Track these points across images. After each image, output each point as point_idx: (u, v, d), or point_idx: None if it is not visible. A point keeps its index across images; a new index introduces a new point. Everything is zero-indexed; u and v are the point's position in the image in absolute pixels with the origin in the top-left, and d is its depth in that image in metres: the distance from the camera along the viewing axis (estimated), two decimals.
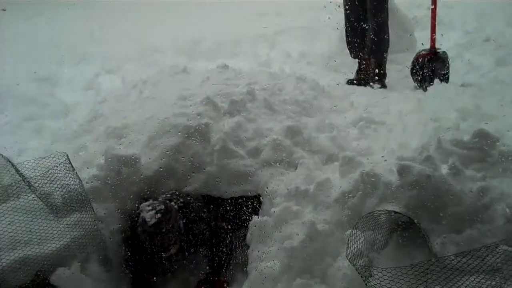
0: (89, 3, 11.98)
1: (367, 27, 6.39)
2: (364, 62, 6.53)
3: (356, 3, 6.36)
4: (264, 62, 7.28)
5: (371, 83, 6.27)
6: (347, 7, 6.50)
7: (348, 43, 6.69)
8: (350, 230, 2.91)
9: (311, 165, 3.67)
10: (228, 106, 4.09)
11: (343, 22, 6.71)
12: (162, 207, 3.32)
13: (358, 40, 6.55)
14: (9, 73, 7.04)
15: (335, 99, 4.86)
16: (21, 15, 11.13)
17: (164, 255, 3.42)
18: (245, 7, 11.17)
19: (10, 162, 3.54)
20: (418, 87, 6.14)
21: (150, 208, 3.30)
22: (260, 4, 11.33)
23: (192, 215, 3.53)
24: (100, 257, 3.38)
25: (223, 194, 3.63)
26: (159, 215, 3.27)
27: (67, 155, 3.49)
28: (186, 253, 3.56)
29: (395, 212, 2.96)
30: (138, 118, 4.18)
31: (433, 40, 6.22)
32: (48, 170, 3.52)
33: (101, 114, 4.70)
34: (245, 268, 3.36)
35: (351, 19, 6.54)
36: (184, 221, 3.45)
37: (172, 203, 3.45)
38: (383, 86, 6.29)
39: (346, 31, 6.67)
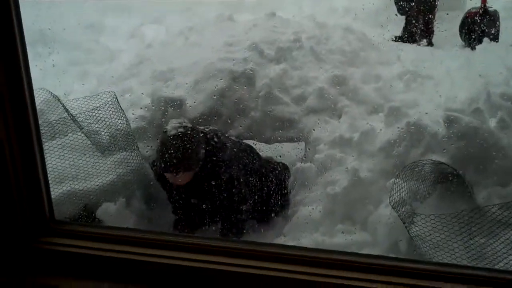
0: None
1: None
2: (411, 19, 6.39)
3: None
4: (310, 16, 7.17)
5: (418, 40, 6.16)
6: None
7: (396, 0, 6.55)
8: (393, 179, 2.91)
9: (356, 115, 3.66)
10: (274, 53, 4.08)
11: None
12: (189, 126, 3.22)
13: None
14: (55, 20, 7.09)
15: (381, 53, 4.79)
16: None
17: (175, 180, 3.27)
18: None
19: (59, 100, 3.62)
20: (466, 46, 6.00)
21: (177, 123, 3.21)
22: None
23: (221, 154, 3.32)
24: (145, 194, 3.46)
25: (267, 140, 3.66)
26: (181, 129, 3.17)
27: (115, 94, 3.54)
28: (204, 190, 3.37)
29: (440, 163, 2.95)
30: (184, 62, 4.20)
31: None
32: (96, 109, 3.59)
33: (147, 58, 4.73)
34: (286, 212, 3.39)
35: None
36: (208, 153, 3.26)
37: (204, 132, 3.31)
38: (430, 43, 6.17)
39: None
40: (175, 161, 3.14)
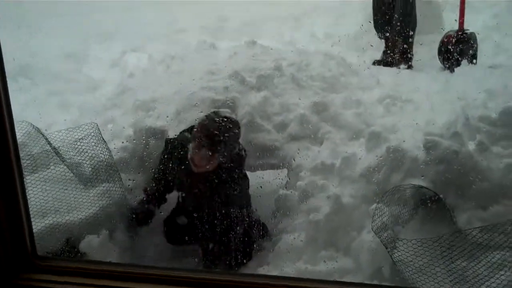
0: None
1: (394, 7, 6.35)
2: (390, 42, 6.49)
3: None
4: (290, 42, 7.26)
5: (397, 63, 6.24)
6: None
7: (375, 22, 6.66)
8: (375, 204, 2.93)
9: (337, 140, 3.70)
10: (255, 81, 4.11)
11: (370, 2, 6.67)
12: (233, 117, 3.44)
13: (385, 20, 6.51)
14: (37, 50, 7.11)
15: (361, 77, 4.85)
16: None
17: (202, 162, 3.31)
18: None
19: (40, 132, 3.61)
20: (445, 68, 6.10)
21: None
22: None
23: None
24: (127, 226, 3.45)
25: (249, 167, 3.67)
26: (227, 113, 3.39)
27: (97, 126, 3.54)
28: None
29: (421, 187, 2.98)
30: (166, 91, 4.22)
31: (461, 22, 6.17)
32: (78, 140, 3.59)
33: (129, 88, 4.75)
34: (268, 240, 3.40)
35: None
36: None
37: None
38: (410, 66, 6.26)
39: (374, 10, 6.63)
40: (211, 143, 3.25)
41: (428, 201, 2.97)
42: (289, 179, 3.59)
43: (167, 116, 3.92)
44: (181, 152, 3.41)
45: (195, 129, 3.33)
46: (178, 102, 3.98)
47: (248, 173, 3.60)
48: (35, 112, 5.43)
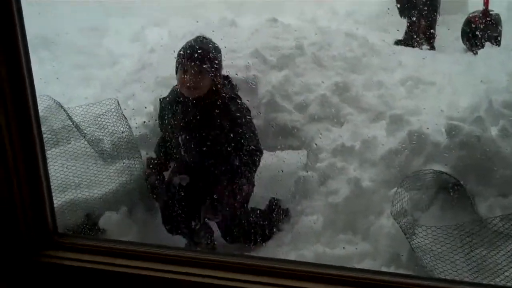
0: None
1: None
2: (413, 22, 6.39)
3: None
4: (311, 19, 7.17)
5: (419, 44, 6.14)
6: None
7: (398, 1, 6.53)
8: (395, 189, 2.92)
9: (358, 122, 3.67)
10: (276, 60, 4.08)
11: None
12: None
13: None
14: (58, 23, 7.10)
15: (383, 58, 4.79)
16: None
17: (190, 88, 3.15)
18: None
19: (61, 107, 3.62)
20: (468, 50, 5.99)
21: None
22: None
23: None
24: (146, 203, 3.46)
25: (269, 148, 3.65)
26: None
27: (117, 101, 3.55)
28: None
29: (442, 173, 2.95)
30: None
31: (486, 2, 6.04)
32: (99, 116, 3.60)
33: (149, 64, 4.73)
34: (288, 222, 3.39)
35: None
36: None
37: None
38: (432, 47, 6.16)
39: None
40: (198, 51, 3.13)
41: (449, 188, 2.94)
42: (309, 161, 3.57)
43: None
44: (175, 103, 3.31)
45: (181, 53, 3.22)
46: None
47: (267, 153, 3.59)
48: (56, 85, 5.45)
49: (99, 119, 3.60)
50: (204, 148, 3.20)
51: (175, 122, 3.28)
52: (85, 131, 3.57)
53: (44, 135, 3.54)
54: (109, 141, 3.57)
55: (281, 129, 3.70)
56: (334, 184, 3.25)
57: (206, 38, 3.29)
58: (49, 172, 3.17)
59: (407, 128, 3.24)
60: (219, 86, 3.20)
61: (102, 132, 3.60)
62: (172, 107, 3.31)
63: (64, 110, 3.59)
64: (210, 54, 3.15)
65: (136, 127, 3.66)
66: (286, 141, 3.70)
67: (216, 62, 3.17)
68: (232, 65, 4.00)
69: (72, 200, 3.24)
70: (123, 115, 3.53)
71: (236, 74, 3.73)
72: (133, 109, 3.89)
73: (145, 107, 3.89)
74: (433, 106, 3.74)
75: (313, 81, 3.97)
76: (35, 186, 1.71)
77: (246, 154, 3.19)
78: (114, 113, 3.55)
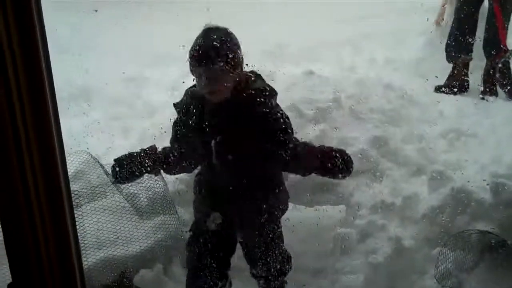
0: (182, 3, 12.13)
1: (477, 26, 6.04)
2: (460, 67, 6.21)
3: None
4: (349, 68, 7.15)
5: (463, 91, 5.97)
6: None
7: (450, 46, 6.32)
8: (439, 248, 2.82)
9: (397, 177, 3.58)
10: (313, 113, 4.04)
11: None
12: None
13: (464, 42, 6.20)
14: (98, 73, 7.25)
15: (423, 108, 4.71)
16: (112, 14, 11.43)
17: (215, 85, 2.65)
18: (327, 10, 11.02)
19: (98, 162, 3.64)
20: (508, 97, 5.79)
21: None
22: (342, 7, 11.15)
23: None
24: (182, 259, 3.42)
25: (306, 203, 3.59)
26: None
27: None
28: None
29: (488, 232, 2.84)
30: None
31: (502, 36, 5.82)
32: None
33: None
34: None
35: (462, 14, 6.20)
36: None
37: None
38: (494, 93, 5.88)
39: (453, 30, 6.32)
40: (209, 51, 2.60)
41: (496, 248, 2.82)
42: (348, 216, 3.49)
43: None
44: (194, 107, 2.82)
45: (192, 55, 2.69)
46: None
47: (303, 207, 3.52)
48: (95, 136, 5.51)
49: None
50: (241, 153, 2.73)
51: (202, 126, 2.79)
52: (121, 186, 3.57)
53: (81, 189, 3.56)
54: (145, 197, 3.56)
55: (318, 184, 3.63)
56: (374, 242, 3.16)
57: (217, 29, 2.72)
58: (84, 227, 3.17)
59: (450, 185, 3.15)
60: (243, 81, 2.76)
61: (137, 187, 3.60)
62: (192, 111, 2.84)
63: (100, 165, 3.61)
64: (223, 51, 2.63)
65: (172, 183, 3.64)
66: (324, 196, 3.62)
67: (232, 56, 2.65)
68: None
69: (107, 257, 3.21)
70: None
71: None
72: None
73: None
74: (476, 160, 3.63)
75: (350, 135, 3.91)
76: (63, 244, 1.67)
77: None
78: None
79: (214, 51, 2.61)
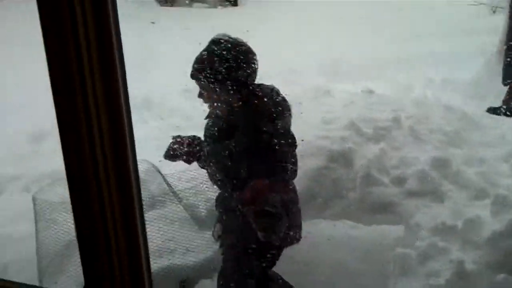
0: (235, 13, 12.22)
1: None
2: None
3: None
4: (406, 87, 7.11)
5: None
6: None
7: (510, 66, 6.22)
8: (503, 275, 2.75)
9: (459, 200, 3.52)
10: (372, 132, 4.03)
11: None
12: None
13: None
14: (158, 86, 7.38)
15: (483, 130, 4.63)
16: (170, 27, 11.60)
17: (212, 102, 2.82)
18: (385, 28, 10.97)
19: (159, 172, 3.72)
20: None
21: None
22: (400, 26, 11.09)
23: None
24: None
25: (365, 222, 3.57)
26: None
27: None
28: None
29: None
30: None
31: None
32: (195, 185, 3.65)
33: None
34: None
35: None
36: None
37: None
38: None
39: (508, 49, 6.22)
40: (207, 68, 2.70)
41: None
42: (407, 237, 3.45)
43: None
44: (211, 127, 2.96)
45: (194, 67, 2.79)
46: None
47: (363, 226, 3.50)
48: (155, 146, 5.60)
49: (195, 185, 3.65)
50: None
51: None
52: (180, 196, 3.63)
53: (144, 199, 3.62)
54: (204, 208, 3.60)
55: (377, 203, 3.61)
56: (434, 264, 3.11)
57: (219, 43, 2.73)
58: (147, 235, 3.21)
59: None
60: (244, 95, 2.77)
61: (197, 198, 3.65)
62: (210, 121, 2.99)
63: (161, 174, 3.68)
64: (222, 68, 2.66)
65: None
66: (382, 216, 3.60)
67: (226, 71, 2.67)
68: (326, 136, 3.99)
69: (167, 266, 3.27)
70: None
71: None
72: None
73: None
74: None
75: (410, 155, 3.88)
76: (134, 250, 1.71)
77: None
78: (208, 181, 3.60)
79: (207, 65, 2.70)
